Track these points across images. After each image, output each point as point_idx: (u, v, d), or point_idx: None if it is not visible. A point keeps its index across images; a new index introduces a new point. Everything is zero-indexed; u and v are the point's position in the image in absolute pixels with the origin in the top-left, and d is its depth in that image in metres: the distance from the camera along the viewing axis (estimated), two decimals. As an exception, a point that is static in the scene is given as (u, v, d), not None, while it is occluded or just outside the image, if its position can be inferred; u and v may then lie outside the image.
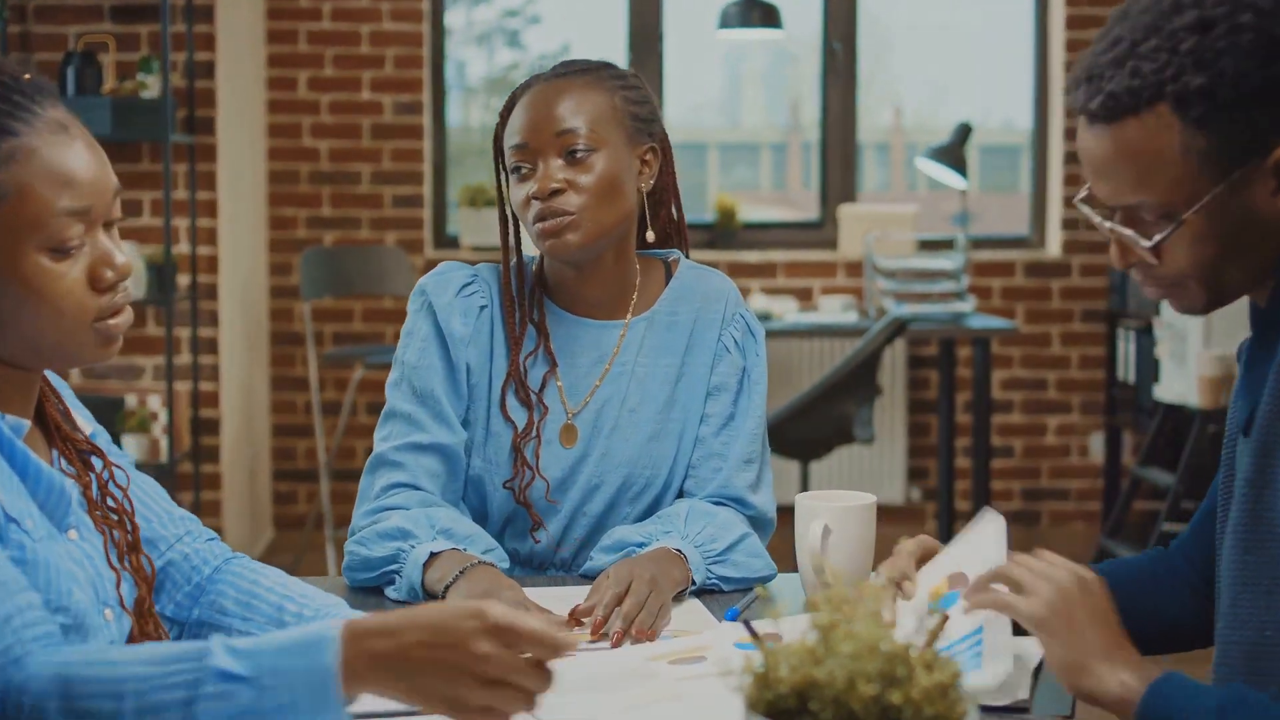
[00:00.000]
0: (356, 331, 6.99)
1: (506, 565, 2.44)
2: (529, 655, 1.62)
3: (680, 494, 2.59)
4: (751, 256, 7.14)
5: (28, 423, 1.87)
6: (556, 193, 2.45)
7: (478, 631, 1.61)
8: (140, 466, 5.75)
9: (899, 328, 5.78)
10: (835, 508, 2.33)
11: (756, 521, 2.56)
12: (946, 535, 6.78)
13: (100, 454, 1.99)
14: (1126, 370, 6.81)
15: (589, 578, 2.44)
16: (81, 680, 1.64)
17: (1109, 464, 7.07)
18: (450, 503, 2.52)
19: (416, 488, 2.50)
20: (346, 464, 6.87)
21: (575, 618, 2.20)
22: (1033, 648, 1.93)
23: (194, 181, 6.03)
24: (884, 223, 6.92)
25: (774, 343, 6.94)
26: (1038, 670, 1.97)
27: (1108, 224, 1.91)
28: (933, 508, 7.20)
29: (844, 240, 7.06)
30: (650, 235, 2.60)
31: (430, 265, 6.56)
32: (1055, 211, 7.22)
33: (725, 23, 6.87)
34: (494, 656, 1.60)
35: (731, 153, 11.12)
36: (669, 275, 2.66)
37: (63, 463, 1.96)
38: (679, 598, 2.37)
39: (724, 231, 7.20)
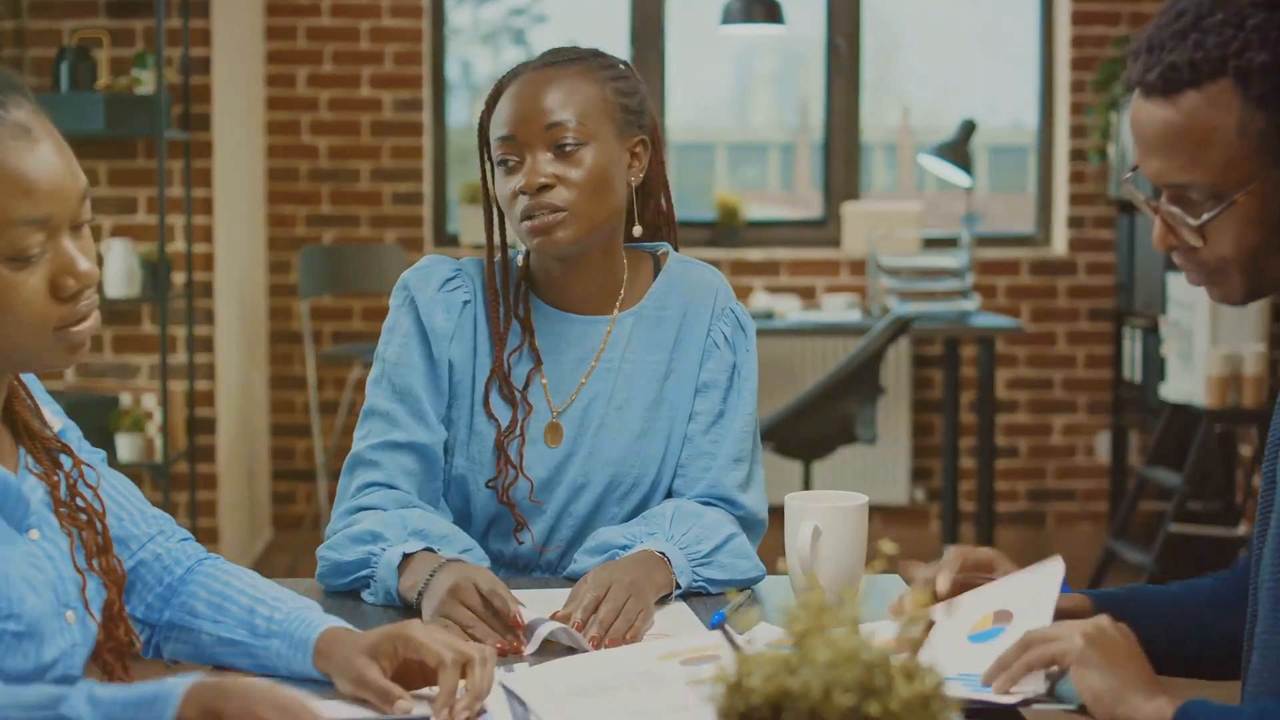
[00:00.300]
0: (356, 330, 6.93)
1: (486, 565, 2.38)
2: None
3: (669, 493, 2.52)
4: (755, 255, 7.08)
5: None
6: (545, 188, 2.38)
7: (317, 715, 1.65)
8: (135, 466, 5.75)
9: (902, 326, 5.72)
10: (825, 509, 2.27)
11: (746, 522, 2.49)
12: (951, 536, 6.73)
13: (69, 452, 1.94)
14: (1133, 369, 6.75)
15: (574, 580, 2.38)
16: None
17: (1115, 464, 7.00)
18: (429, 503, 2.46)
19: (392, 487, 2.44)
20: (345, 464, 6.80)
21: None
22: None
23: (189, 178, 5.97)
24: (888, 221, 6.86)
25: (777, 341, 6.90)
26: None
27: (1154, 202, 1.85)
28: (937, 508, 7.13)
29: (848, 238, 7.00)
30: (637, 230, 2.53)
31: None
32: (1061, 209, 7.15)
33: (728, 19, 6.82)
34: None
35: (740, 153, 11.08)
36: (657, 269, 2.59)
37: (30, 461, 1.90)
38: (663, 601, 2.31)
39: (727, 229, 7.14)
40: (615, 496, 2.49)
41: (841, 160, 7.26)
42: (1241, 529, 6.03)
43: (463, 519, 2.50)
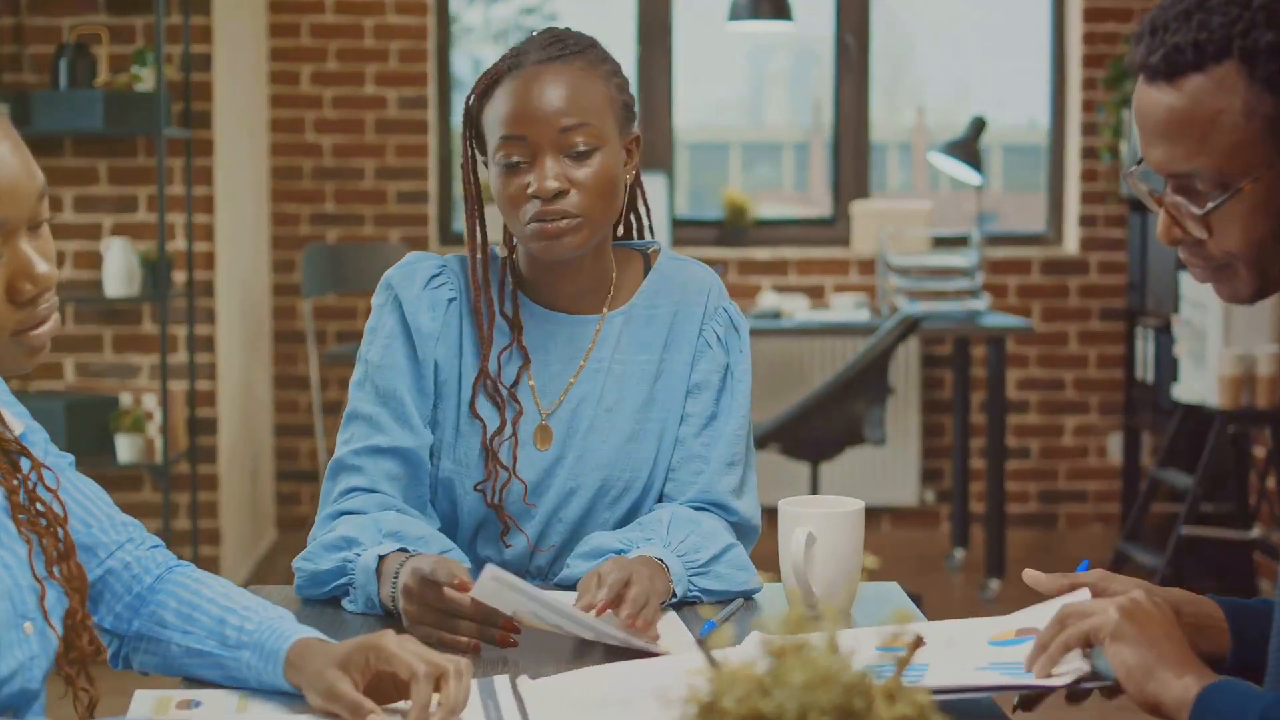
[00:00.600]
0: (359, 329, 6.86)
1: (467, 568, 2.32)
2: None
3: (660, 497, 2.45)
4: (763, 254, 7.01)
5: None
6: (560, 194, 2.31)
7: None
8: (135, 467, 5.69)
9: (910, 326, 5.65)
10: (819, 515, 2.20)
11: (740, 528, 2.42)
12: (961, 538, 6.66)
13: (28, 454, 1.87)
14: (1145, 370, 6.68)
15: (566, 586, 2.31)
16: None
17: (1127, 465, 6.93)
18: (416, 508, 2.39)
19: (375, 491, 2.37)
20: (349, 464, 6.74)
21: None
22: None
23: (190, 176, 5.91)
24: (898, 219, 6.79)
25: (784, 341, 6.84)
26: None
27: (1157, 193, 1.78)
28: (947, 510, 7.06)
29: (857, 237, 6.93)
30: (619, 228, 2.47)
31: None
32: (1073, 208, 7.08)
33: (735, 15, 6.75)
34: None
35: (754, 152, 11.04)
36: (648, 267, 2.51)
37: None
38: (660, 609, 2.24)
39: (735, 228, 7.07)
40: (606, 501, 2.42)
41: (851, 159, 7.19)
42: (1255, 531, 5.96)
43: (450, 523, 2.43)
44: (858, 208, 6.93)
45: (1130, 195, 6.72)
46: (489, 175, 2.39)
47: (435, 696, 1.79)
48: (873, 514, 7.07)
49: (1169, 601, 1.97)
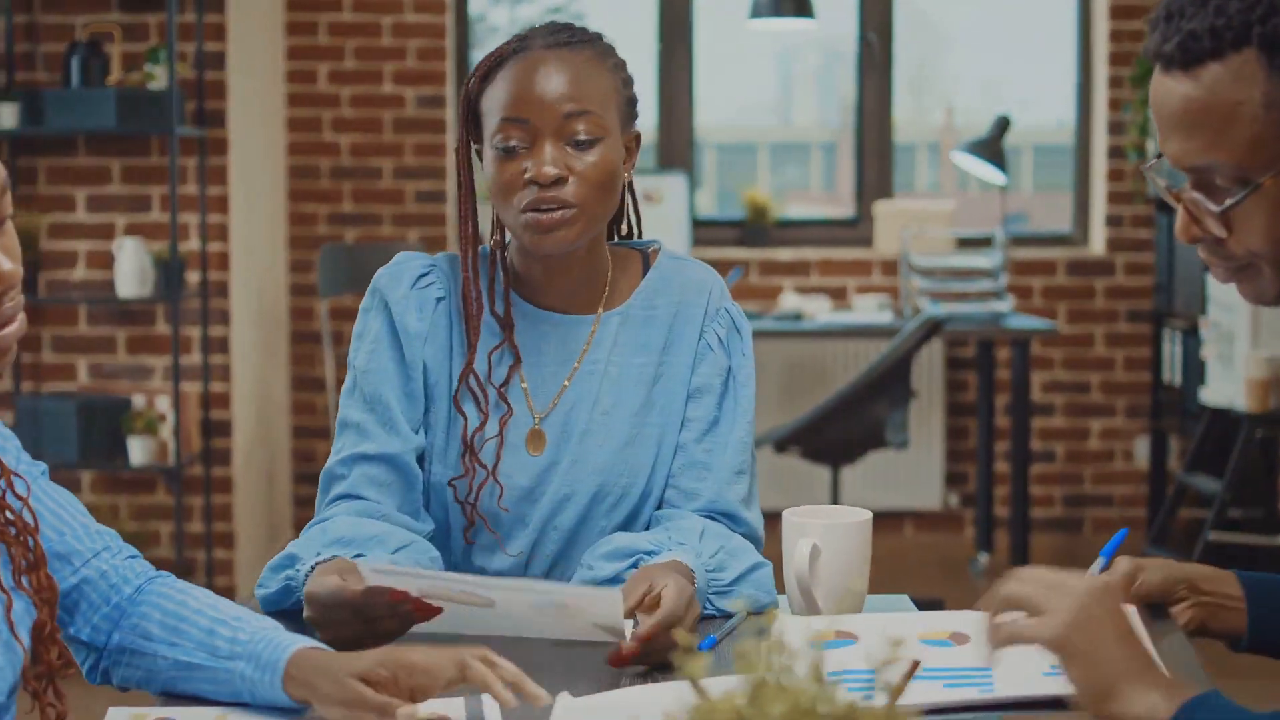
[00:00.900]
0: (377, 331, 6.79)
1: (433, 556, 2.24)
2: None
3: (660, 504, 2.36)
4: (785, 254, 6.93)
5: None
6: (558, 181, 2.22)
7: None
8: (147, 469, 5.62)
9: (933, 328, 5.57)
10: (824, 525, 2.11)
11: (747, 539, 2.33)
12: (986, 543, 6.57)
13: None
14: (1172, 372, 6.59)
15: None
16: None
17: (1154, 469, 6.83)
18: (409, 514, 2.31)
19: (358, 498, 2.29)
20: (366, 467, 6.68)
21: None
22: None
23: (204, 176, 5.85)
24: (921, 219, 6.70)
25: (806, 343, 6.77)
26: None
27: (1175, 189, 1.69)
28: (971, 514, 6.97)
29: (880, 238, 6.85)
30: (621, 228, 2.39)
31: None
32: (1099, 208, 6.99)
33: (757, 12, 6.67)
34: None
35: (782, 153, 11.00)
36: (647, 267, 2.42)
37: None
38: None
39: (756, 228, 6.99)
40: (603, 508, 2.33)
41: (874, 158, 7.10)
42: (1284, 537, 5.87)
43: (443, 530, 2.35)
44: (881, 208, 6.84)
45: (1158, 195, 6.63)
46: (484, 160, 2.29)
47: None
48: (896, 518, 6.99)
49: (1186, 578, 1.88)
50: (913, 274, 6.42)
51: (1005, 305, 6.29)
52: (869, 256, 6.92)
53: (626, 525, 2.34)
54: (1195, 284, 6.28)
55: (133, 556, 2.00)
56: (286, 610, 2.17)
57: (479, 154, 2.33)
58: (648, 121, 7.10)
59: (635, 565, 2.17)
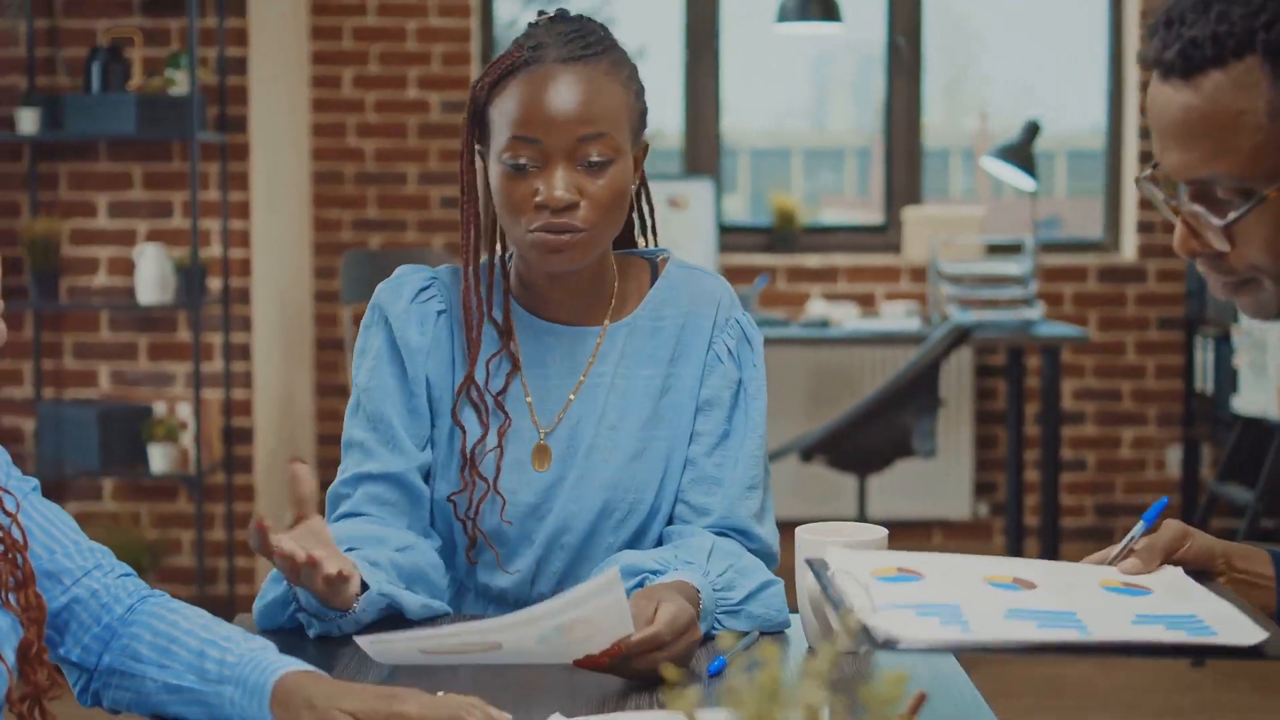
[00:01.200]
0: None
1: (434, 563, 2.19)
2: None
3: (670, 520, 2.30)
4: (812, 260, 6.87)
5: None
6: (570, 206, 2.16)
7: None
8: (168, 477, 5.58)
9: (960, 336, 5.50)
10: (839, 543, 2.05)
11: (760, 555, 2.25)
12: (1016, 552, 6.50)
13: None
14: (1204, 380, 6.51)
15: None
16: None
17: (1186, 478, 6.75)
18: (418, 533, 2.25)
19: (359, 515, 2.24)
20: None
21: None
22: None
23: (225, 181, 5.81)
24: (950, 226, 6.63)
25: (833, 350, 6.71)
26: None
27: (1174, 201, 1.62)
28: (1001, 523, 6.90)
29: (908, 244, 6.78)
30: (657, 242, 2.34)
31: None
32: (1130, 214, 6.91)
33: (783, 16, 6.61)
34: None
35: (816, 158, 10.97)
36: (656, 277, 2.36)
37: None
38: None
39: (783, 234, 6.93)
40: (610, 524, 2.27)
41: (903, 164, 7.04)
42: (1317, 548, 5.78)
43: (449, 547, 2.29)
44: (910, 214, 6.78)
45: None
46: (491, 171, 2.22)
47: None
48: (924, 527, 6.92)
49: (1224, 553, 1.89)
50: (941, 281, 6.35)
51: (1035, 312, 6.22)
52: (897, 263, 6.85)
53: (635, 541, 2.28)
54: (1228, 291, 6.19)
55: (125, 575, 1.95)
56: (280, 617, 2.13)
57: (481, 156, 2.27)
58: (674, 126, 7.04)
59: (641, 584, 2.11)
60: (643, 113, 2.27)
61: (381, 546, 2.14)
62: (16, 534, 1.76)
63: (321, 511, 2.10)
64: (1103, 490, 6.97)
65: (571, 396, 2.28)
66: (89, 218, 5.82)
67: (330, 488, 2.28)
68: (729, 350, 2.30)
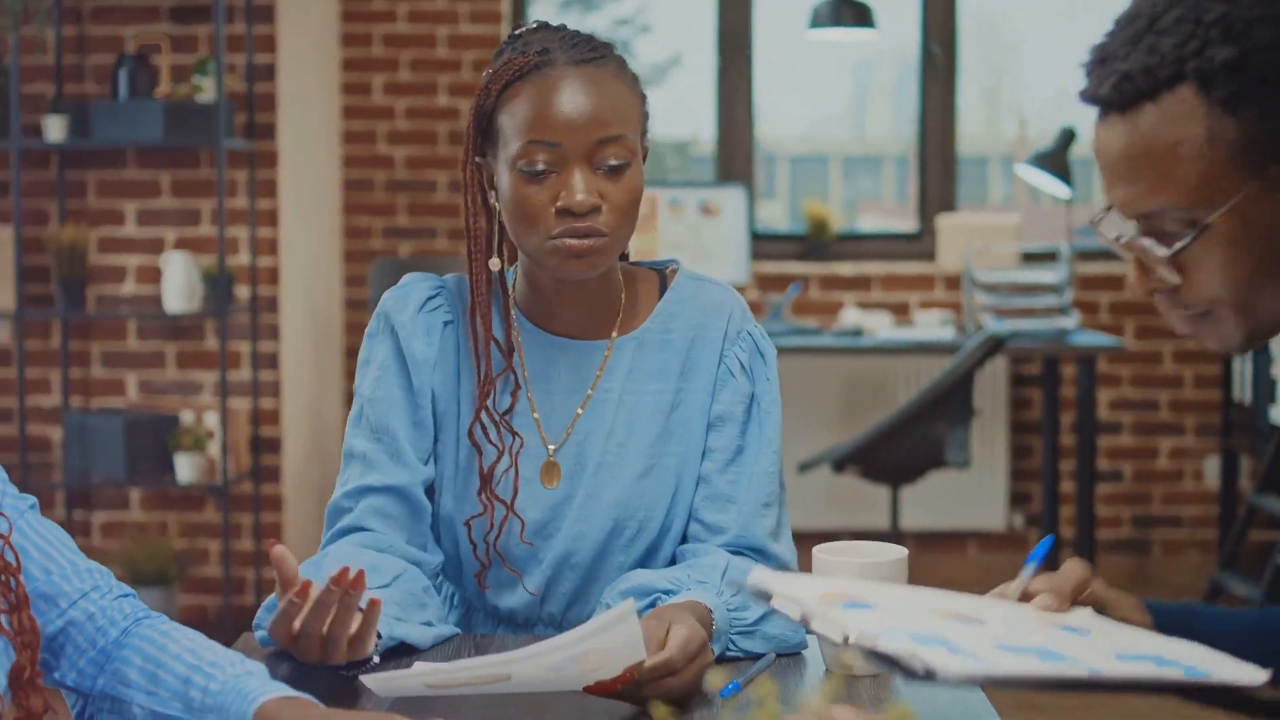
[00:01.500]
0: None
1: (425, 586, 2.13)
2: None
3: (684, 538, 2.24)
4: (845, 269, 6.80)
5: None
6: (592, 210, 2.11)
7: None
8: (195, 487, 5.55)
9: (994, 345, 5.43)
10: (857, 564, 1.99)
11: (777, 574, 2.21)
12: (1051, 564, 6.40)
13: None
14: (1243, 390, 6.43)
15: None
16: None
17: (1225, 490, 6.67)
18: (418, 548, 2.20)
19: (361, 529, 2.18)
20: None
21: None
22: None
23: (253, 189, 5.77)
24: (985, 234, 6.56)
25: (867, 360, 6.65)
26: None
27: (1123, 238, 1.60)
28: (1036, 535, 6.82)
29: (943, 252, 6.71)
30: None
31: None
32: (1168, 222, 6.83)
33: (816, 22, 6.56)
34: None
35: (855, 165, 10.93)
36: (665, 289, 2.30)
37: None
38: None
39: (816, 242, 6.86)
40: (620, 543, 2.21)
41: (937, 171, 6.97)
42: (1358, 561, 5.70)
43: (454, 565, 2.24)
44: (944, 221, 6.71)
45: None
46: (500, 179, 2.17)
47: None
48: (959, 538, 6.85)
49: (1099, 599, 1.78)
50: (976, 289, 6.28)
51: (1071, 321, 6.14)
52: (931, 271, 6.78)
53: (646, 560, 2.22)
54: (1267, 300, 6.12)
55: (123, 596, 1.90)
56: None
57: (480, 166, 2.21)
58: (707, 133, 6.99)
59: (653, 604, 2.05)
60: (647, 115, 2.22)
61: (375, 577, 2.07)
62: (10, 557, 1.72)
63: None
64: (1140, 501, 6.88)
65: (579, 411, 2.23)
66: (116, 225, 5.79)
67: (331, 500, 2.23)
68: (741, 363, 2.24)
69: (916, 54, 6.97)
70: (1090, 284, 6.77)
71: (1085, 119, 6.68)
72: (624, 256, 2.32)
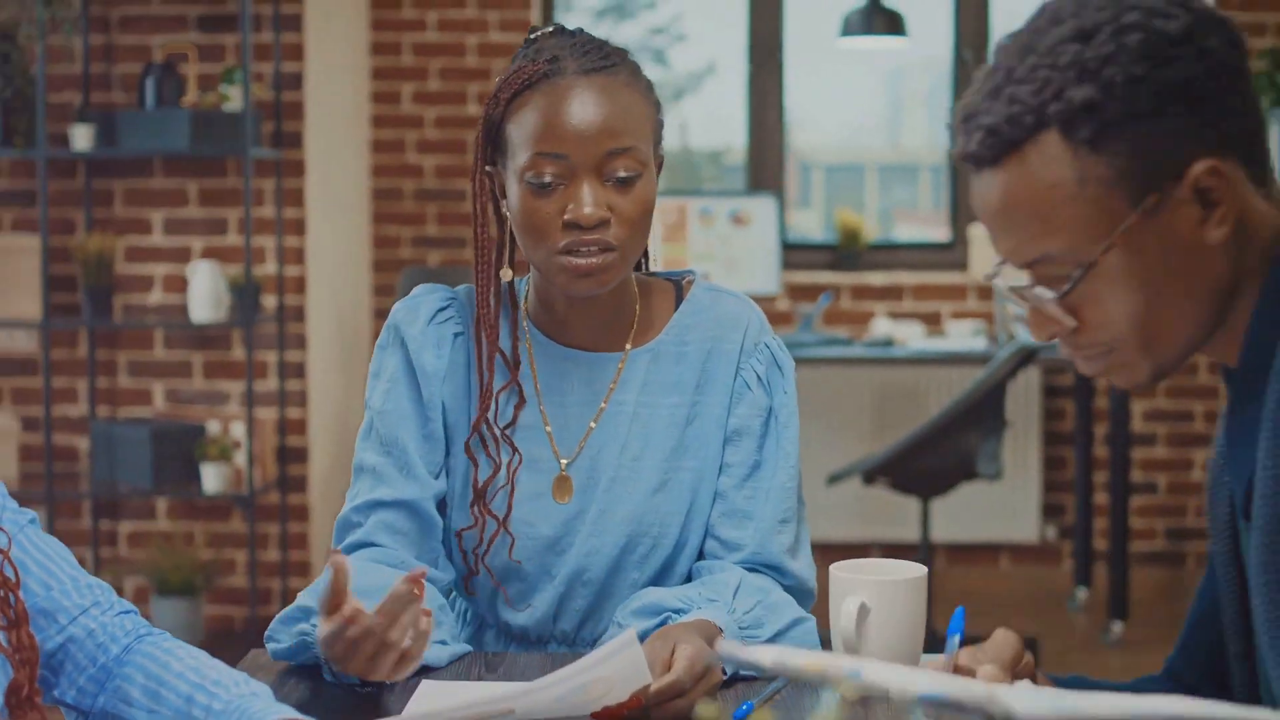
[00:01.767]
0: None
1: (440, 604, 2.09)
2: None
3: (700, 554, 2.20)
4: (877, 279, 6.75)
5: None
6: (601, 223, 2.07)
7: None
8: (221, 497, 5.52)
9: (1026, 356, 5.37)
10: (874, 582, 1.95)
11: (795, 592, 2.15)
12: (1084, 577, 6.37)
13: None
14: (1279, 402, 6.35)
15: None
16: None
17: (1260, 502, 6.59)
18: (428, 563, 2.16)
19: (372, 545, 2.14)
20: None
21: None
22: None
23: (280, 198, 5.75)
24: (1018, 243, 6.49)
25: (898, 370, 6.60)
26: None
27: (1012, 287, 1.60)
28: (1069, 547, 6.76)
29: (975, 261, 6.65)
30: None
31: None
32: (1204, 231, 6.76)
33: (847, 30, 6.51)
34: None
35: (891, 174, 10.90)
36: (680, 300, 2.25)
37: None
38: None
39: (847, 252, 6.81)
40: (633, 559, 2.17)
41: (969, 179, 6.90)
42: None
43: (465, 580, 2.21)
44: (977, 231, 6.65)
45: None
46: (509, 190, 2.12)
47: None
48: (991, 550, 6.80)
49: (1030, 670, 1.75)
50: (1008, 299, 6.22)
51: (1104, 332, 6.08)
52: (963, 281, 6.73)
53: (660, 577, 2.18)
54: (1303, 310, 6.04)
55: (125, 612, 1.86)
56: (296, 661, 2.03)
57: (490, 177, 2.17)
58: (734, 140, 6.95)
59: (663, 623, 2.01)
60: (660, 124, 2.17)
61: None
62: (9, 572, 1.69)
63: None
64: (1174, 514, 6.81)
65: (592, 425, 2.19)
66: (143, 235, 5.77)
67: (341, 514, 2.19)
68: (758, 376, 2.20)
69: (949, 62, 6.92)
70: (1124, 294, 6.70)
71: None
72: (641, 266, 2.28)
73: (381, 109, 6.68)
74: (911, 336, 6.28)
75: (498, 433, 2.16)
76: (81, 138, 5.45)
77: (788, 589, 2.15)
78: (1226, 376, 1.65)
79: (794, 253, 6.87)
